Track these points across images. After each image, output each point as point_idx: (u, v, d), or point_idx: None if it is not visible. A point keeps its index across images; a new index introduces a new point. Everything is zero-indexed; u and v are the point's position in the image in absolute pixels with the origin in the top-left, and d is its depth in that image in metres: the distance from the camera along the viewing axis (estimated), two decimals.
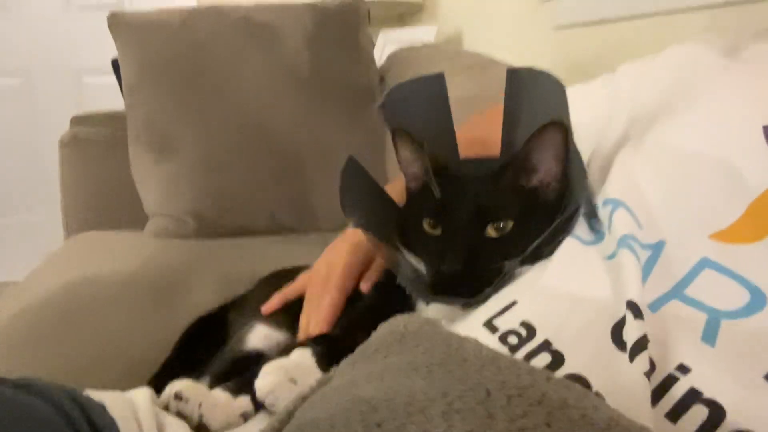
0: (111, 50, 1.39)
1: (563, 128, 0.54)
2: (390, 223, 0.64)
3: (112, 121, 1.50)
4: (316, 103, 1.40)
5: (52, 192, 1.57)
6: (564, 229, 0.54)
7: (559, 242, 0.53)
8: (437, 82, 0.66)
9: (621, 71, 0.71)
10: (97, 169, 1.48)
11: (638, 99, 0.66)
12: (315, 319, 0.66)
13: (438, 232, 0.58)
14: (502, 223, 0.55)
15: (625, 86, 0.69)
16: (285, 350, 0.60)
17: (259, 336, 0.69)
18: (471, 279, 0.54)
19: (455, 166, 0.63)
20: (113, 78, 1.47)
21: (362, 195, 0.62)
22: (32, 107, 2.79)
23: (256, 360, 0.67)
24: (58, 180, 1.49)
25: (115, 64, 1.41)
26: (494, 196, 0.57)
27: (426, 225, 0.59)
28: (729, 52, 0.60)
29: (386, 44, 2.08)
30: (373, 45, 1.56)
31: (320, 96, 1.40)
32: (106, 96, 1.86)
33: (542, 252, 0.54)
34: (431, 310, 0.59)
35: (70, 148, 1.48)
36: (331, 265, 0.69)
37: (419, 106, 0.66)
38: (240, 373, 0.63)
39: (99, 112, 1.57)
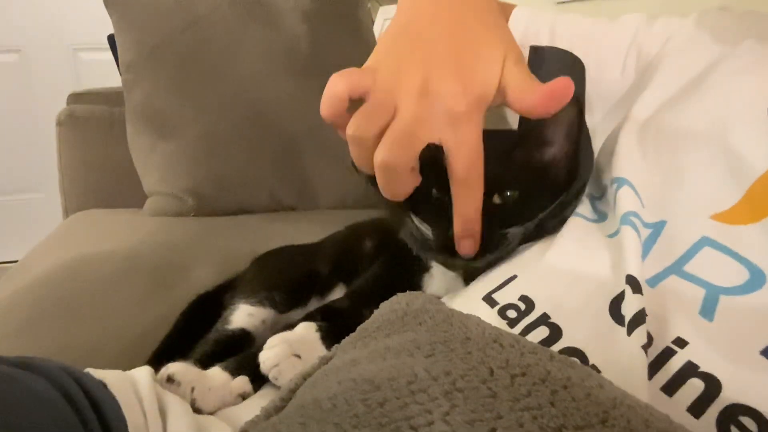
0: (107, 26, 1.37)
1: (577, 106, 0.54)
2: None
3: (110, 98, 1.49)
4: (315, 80, 1.37)
5: (50, 170, 1.56)
6: (569, 204, 0.54)
7: (565, 218, 0.53)
8: None
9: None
10: (95, 147, 1.47)
11: (645, 81, 0.66)
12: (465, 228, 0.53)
13: (445, 198, 0.57)
14: (507, 193, 0.55)
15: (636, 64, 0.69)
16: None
17: (242, 315, 0.70)
18: None
19: None
20: (110, 54, 1.46)
21: None
22: (28, 84, 2.76)
23: (242, 340, 0.67)
24: (56, 158, 1.48)
25: (111, 40, 1.39)
26: (502, 166, 0.57)
27: (434, 192, 0.58)
28: (734, 40, 0.60)
29: (386, 20, 2.05)
30: (372, 21, 1.54)
31: (319, 73, 1.37)
32: (103, 72, 1.85)
33: (547, 227, 0.54)
34: (436, 282, 0.60)
35: (67, 125, 1.46)
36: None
37: None
38: (225, 354, 0.63)
39: (96, 89, 1.56)
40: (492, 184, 0.55)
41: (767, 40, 0.57)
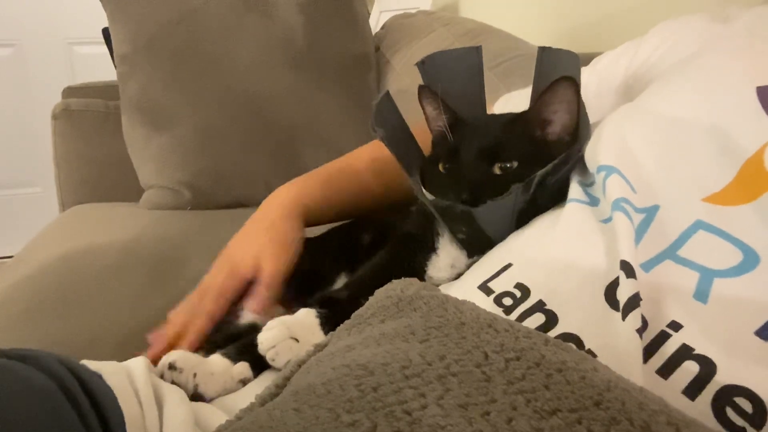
0: (102, 19, 1.36)
1: (574, 83, 0.57)
2: (413, 158, 0.68)
3: (105, 91, 1.48)
4: (311, 72, 1.38)
5: (46, 165, 1.55)
6: (569, 161, 0.56)
7: (563, 178, 0.56)
8: (476, 54, 0.71)
9: (621, 47, 0.73)
10: (91, 141, 1.46)
11: (631, 68, 0.68)
12: (184, 341, 0.66)
13: (451, 167, 0.62)
14: (507, 164, 0.59)
15: (622, 59, 0.71)
16: None
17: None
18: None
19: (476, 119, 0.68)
20: (105, 48, 1.45)
21: (392, 129, 0.66)
22: (23, 78, 2.75)
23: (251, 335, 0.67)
24: (51, 152, 1.47)
25: (106, 33, 1.39)
26: (502, 138, 0.61)
27: (440, 166, 0.63)
28: (723, 21, 0.61)
29: (381, 11, 2.05)
30: (368, 12, 1.53)
31: (315, 64, 1.38)
32: (98, 66, 1.84)
33: (547, 184, 0.56)
34: (442, 260, 0.63)
35: (63, 119, 1.46)
36: (206, 285, 0.71)
37: (456, 75, 0.70)
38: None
39: (91, 83, 1.55)
40: (492, 153, 0.60)
41: (749, 23, 0.57)
